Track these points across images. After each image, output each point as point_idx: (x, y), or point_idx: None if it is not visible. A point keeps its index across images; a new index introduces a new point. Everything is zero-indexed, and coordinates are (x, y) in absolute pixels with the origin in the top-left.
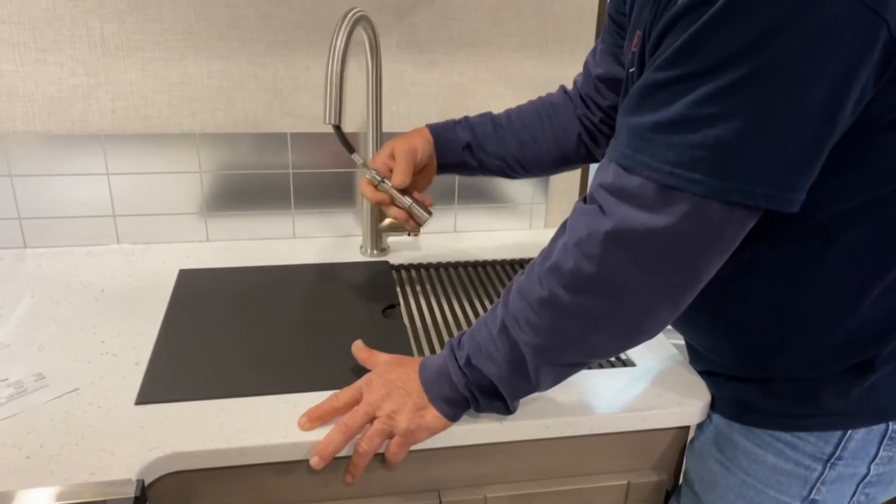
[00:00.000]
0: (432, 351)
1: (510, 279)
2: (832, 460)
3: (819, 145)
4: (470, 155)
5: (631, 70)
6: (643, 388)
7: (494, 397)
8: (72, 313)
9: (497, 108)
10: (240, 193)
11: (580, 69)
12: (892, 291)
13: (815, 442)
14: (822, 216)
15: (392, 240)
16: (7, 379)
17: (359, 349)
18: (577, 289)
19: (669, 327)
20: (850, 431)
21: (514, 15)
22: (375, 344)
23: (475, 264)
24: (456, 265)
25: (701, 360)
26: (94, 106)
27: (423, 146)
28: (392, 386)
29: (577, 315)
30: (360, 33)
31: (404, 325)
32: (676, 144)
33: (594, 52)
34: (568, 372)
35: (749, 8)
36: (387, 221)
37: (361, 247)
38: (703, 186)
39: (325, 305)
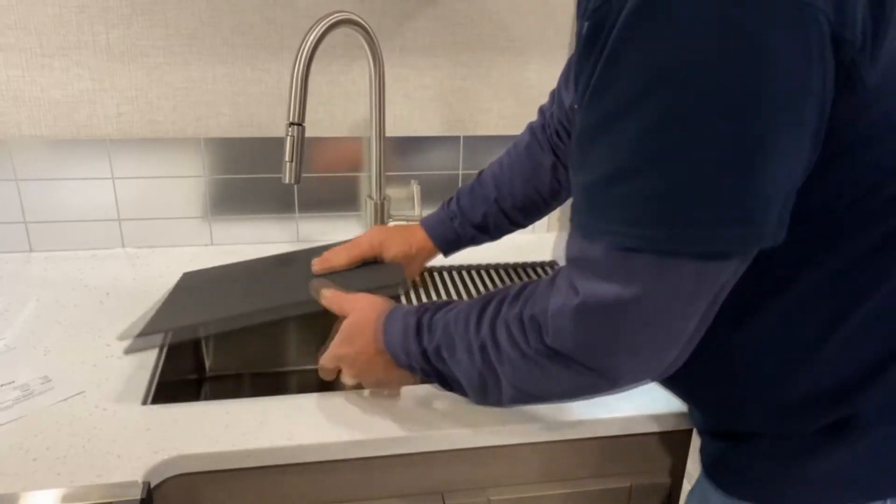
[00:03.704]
0: None
1: (513, 283)
2: None
3: (789, 167)
4: (475, 242)
5: None
6: (646, 390)
7: (457, 388)
8: (77, 316)
9: (499, 111)
10: (244, 197)
11: None
12: (865, 333)
13: None
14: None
15: None
16: (13, 382)
17: (330, 299)
18: (560, 362)
19: None
20: None
21: (517, 20)
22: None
23: (478, 268)
24: (459, 269)
25: (690, 415)
26: (100, 111)
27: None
28: (361, 373)
29: (560, 382)
30: (359, 38)
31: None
32: (626, 200)
33: (565, 79)
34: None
35: (653, 25)
36: (390, 225)
37: None
38: (662, 243)
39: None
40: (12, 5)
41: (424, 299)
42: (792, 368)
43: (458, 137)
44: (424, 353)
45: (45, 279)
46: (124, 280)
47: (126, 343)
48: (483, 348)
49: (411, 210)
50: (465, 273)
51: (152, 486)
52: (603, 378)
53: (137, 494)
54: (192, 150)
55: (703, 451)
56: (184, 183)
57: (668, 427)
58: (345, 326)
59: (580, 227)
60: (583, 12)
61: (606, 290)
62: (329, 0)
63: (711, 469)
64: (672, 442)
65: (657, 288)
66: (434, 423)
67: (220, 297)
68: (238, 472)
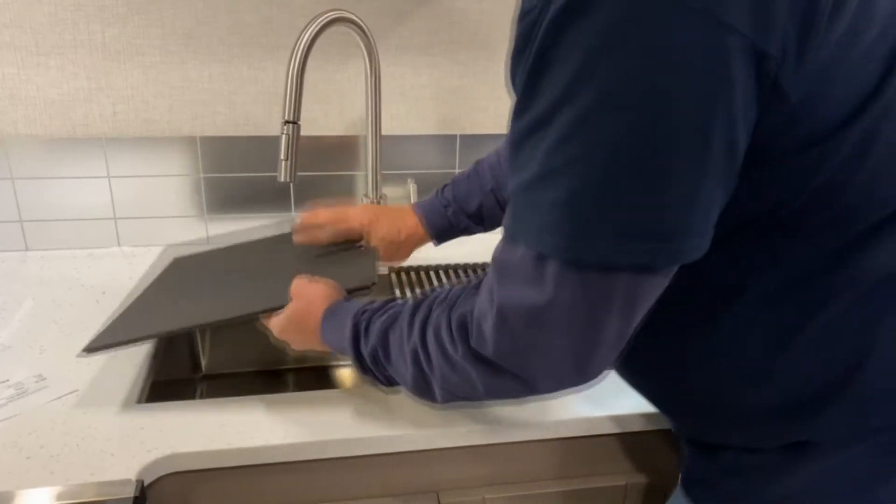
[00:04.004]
0: None
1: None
2: None
3: (699, 182)
4: (469, 232)
5: None
6: None
7: (395, 385)
8: (73, 315)
9: (496, 110)
10: (240, 196)
11: None
12: (819, 349)
13: None
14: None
15: None
16: (8, 380)
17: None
18: (483, 365)
19: None
20: None
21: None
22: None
23: (474, 267)
24: (455, 267)
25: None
26: (96, 109)
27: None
28: (307, 350)
29: (484, 385)
30: (355, 37)
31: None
32: (540, 205)
33: None
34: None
35: (571, 36)
36: None
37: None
38: (568, 252)
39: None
40: (8, 4)
41: None
42: (748, 380)
43: (454, 136)
44: (361, 358)
45: (41, 278)
46: (120, 279)
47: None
48: (414, 352)
49: None
50: (461, 272)
51: (146, 484)
52: (522, 383)
53: (131, 492)
54: (188, 149)
55: (682, 460)
56: (180, 182)
57: (664, 426)
58: (291, 313)
59: (504, 230)
60: (517, 14)
61: (521, 295)
62: None
63: (686, 480)
64: (668, 441)
65: (566, 296)
66: (429, 422)
67: (191, 301)
68: (232, 470)
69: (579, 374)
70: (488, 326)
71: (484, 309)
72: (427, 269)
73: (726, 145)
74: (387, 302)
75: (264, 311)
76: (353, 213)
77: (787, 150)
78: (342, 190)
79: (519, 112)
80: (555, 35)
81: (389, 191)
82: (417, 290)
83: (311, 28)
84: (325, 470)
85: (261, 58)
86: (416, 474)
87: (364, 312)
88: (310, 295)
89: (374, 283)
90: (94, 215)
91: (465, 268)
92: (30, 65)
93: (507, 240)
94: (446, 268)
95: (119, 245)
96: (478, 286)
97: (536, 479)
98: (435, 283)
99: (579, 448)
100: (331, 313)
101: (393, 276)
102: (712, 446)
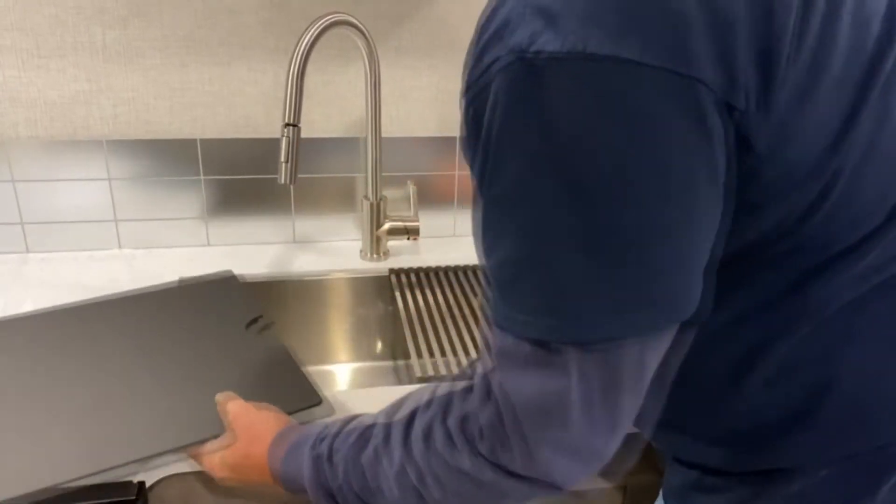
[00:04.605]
0: (430, 352)
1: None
2: None
3: (690, 241)
4: None
5: None
6: None
7: None
8: None
9: None
10: (240, 198)
11: None
12: (779, 378)
13: None
14: None
15: (392, 244)
16: None
17: (225, 407)
18: (504, 478)
19: None
20: None
21: None
22: (249, 364)
23: (474, 268)
24: (455, 269)
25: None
26: (96, 111)
27: None
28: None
29: (508, 495)
30: (355, 39)
31: (277, 340)
32: (524, 289)
33: None
34: None
35: (529, 112)
36: (386, 226)
37: (361, 251)
38: (568, 332)
39: (182, 335)
40: (9, 6)
41: (423, 301)
42: (706, 408)
43: (454, 138)
44: (327, 493)
45: (42, 280)
46: (121, 281)
47: None
48: (402, 472)
49: (407, 211)
50: (461, 273)
51: (147, 485)
52: (548, 487)
53: (132, 494)
54: (189, 151)
55: (665, 474)
56: (180, 184)
57: None
58: (232, 453)
59: (491, 314)
60: (463, 87)
61: (530, 382)
62: (325, 1)
63: (665, 489)
64: None
65: (575, 376)
66: None
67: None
68: None
69: (603, 457)
70: (501, 428)
71: (493, 415)
72: (427, 270)
73: (711, 199)
74: (346, 422)
75: (194, 444)
76: None
77: (756, 200)
78: (342, 192)
79: (481, 191)
80: (512, 122)
81: (389, 193)
82: (417, 291)
83: (312, 31)
84: None
85: (261, 60)
86: None
87: (323, 440)
88: (257, 431)
89: (320, 402)
90: (95, 217)
91: (465, 269)
92: (30, 67)
93: (494, 323)
94: (446, 270)
95: (120, 247)
96: (469, 388)
97: None
98: (435, 284)
99: None
100: (280, 444)
101: (393, 277)
102: (683, 462)
